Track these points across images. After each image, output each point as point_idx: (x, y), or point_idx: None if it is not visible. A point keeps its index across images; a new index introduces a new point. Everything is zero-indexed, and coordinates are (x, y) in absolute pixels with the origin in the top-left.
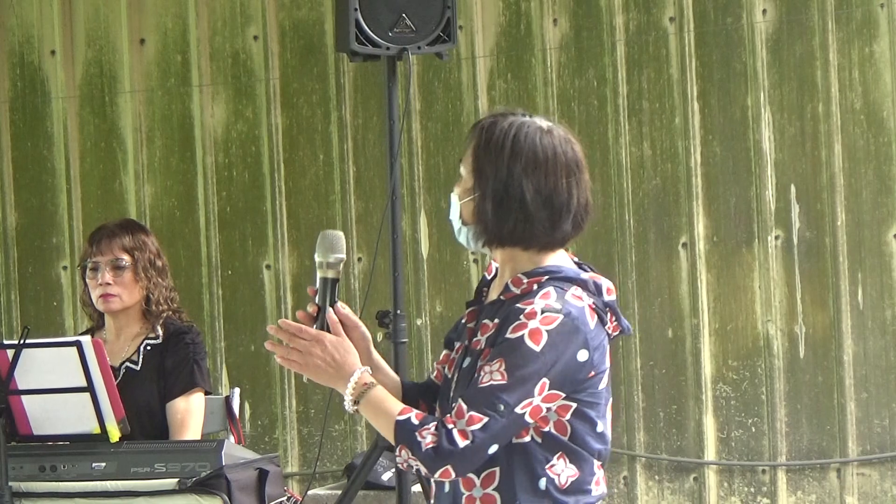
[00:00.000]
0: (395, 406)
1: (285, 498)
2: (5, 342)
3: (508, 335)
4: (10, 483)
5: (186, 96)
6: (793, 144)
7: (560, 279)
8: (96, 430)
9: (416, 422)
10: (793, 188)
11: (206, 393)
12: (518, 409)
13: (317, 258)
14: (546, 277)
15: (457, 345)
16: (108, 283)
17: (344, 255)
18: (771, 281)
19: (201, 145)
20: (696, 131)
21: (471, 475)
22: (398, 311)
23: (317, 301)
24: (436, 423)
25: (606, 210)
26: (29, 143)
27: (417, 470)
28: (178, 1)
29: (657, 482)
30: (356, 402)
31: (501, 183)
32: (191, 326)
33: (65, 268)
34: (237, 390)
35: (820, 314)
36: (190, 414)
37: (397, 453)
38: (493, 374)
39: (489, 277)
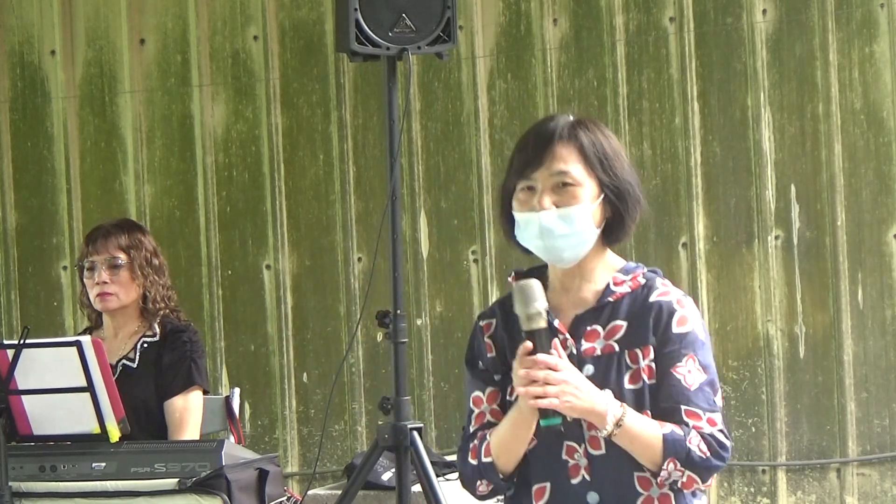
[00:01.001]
0: (652, 421)
1: (285, 498)
2: (5, 342)
3: (677, 330)
4: (11, 483)
5: (186, 96)
6: (793, 144)
7: (648, 272)
8: (96, 430)
9: (680, 433)
10: (793, 188)
11: (205, 392)
12: (720, 400)
13: (519, 311)
14: (643, 271)
15: (496, 377)
16: (105, 282)
17: (545, 302)
18: (771, 281)
19: (201, 145)
20: (696, 131)
21: (646, 473)
22: (398, 311)
23: (537, 353)
24: (693, 433)
25: None
26: (29, 143)
27: (673, 481)
28: (179, 1)
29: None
30: (619, 425)
31: (620, 180)
32: (188, 325)
33: (65, 268)
34: (237, 390)
35: (820, 314)
36: (188, 412)
37: (663, 467)
38: (693, 374)
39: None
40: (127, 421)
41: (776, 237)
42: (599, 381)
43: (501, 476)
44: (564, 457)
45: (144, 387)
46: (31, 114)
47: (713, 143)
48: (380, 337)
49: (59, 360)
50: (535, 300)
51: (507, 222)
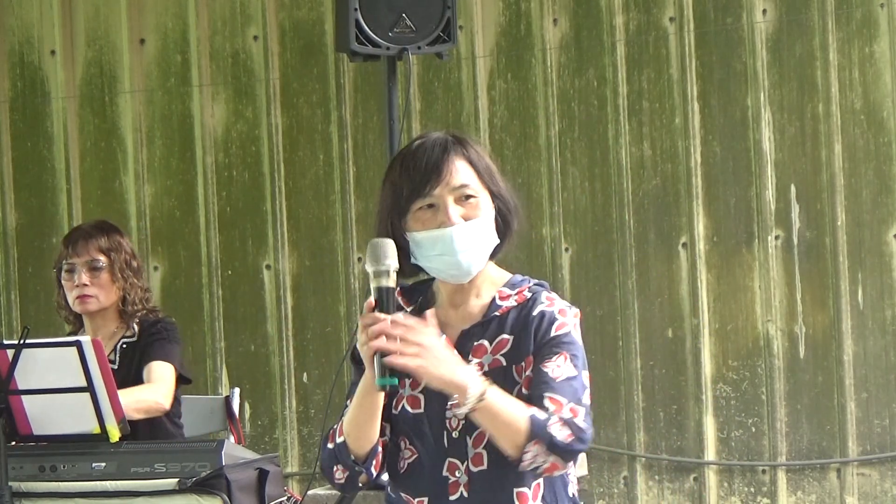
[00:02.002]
0: (518, 402)
1: (285, 498)
2: (5, 342)
3: (555, 333)
4: (10, 483)
5: (186, 96)
6: (793, 144)
7: (535, 285)
8: (96, 429)
9: (542, 416)
10: (793, 188)
11: (185, 380)
12: (587, 400)
13: (369, 268)
14: (529, 285)
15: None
16: (85, 285)
17: (396, 262)
18: (771, 281)
19: (201, 145)
20: (696, 131)
21: (524, 489)
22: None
23: (379, 312)
24: (554, 417)
25: (606, 210)
26: (29, 143)
27: (536, 466)
28: (178, 1)
29: (657, 482)
30: (481, 399)
31: (504, 191)
32: (164, 318)
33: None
34: (237, 390)
35: (820, 314)
36: (162, 378)
37: (526, 450)
38: (562, 368)
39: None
40: (126, 421)
41: (776, 237)
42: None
43: (353, 458)
44: (445, 473)
45: (125, 386)
46: (31, 114)
47: (713, 143)
48: None
49: (58, 360)
50: (388, 257)
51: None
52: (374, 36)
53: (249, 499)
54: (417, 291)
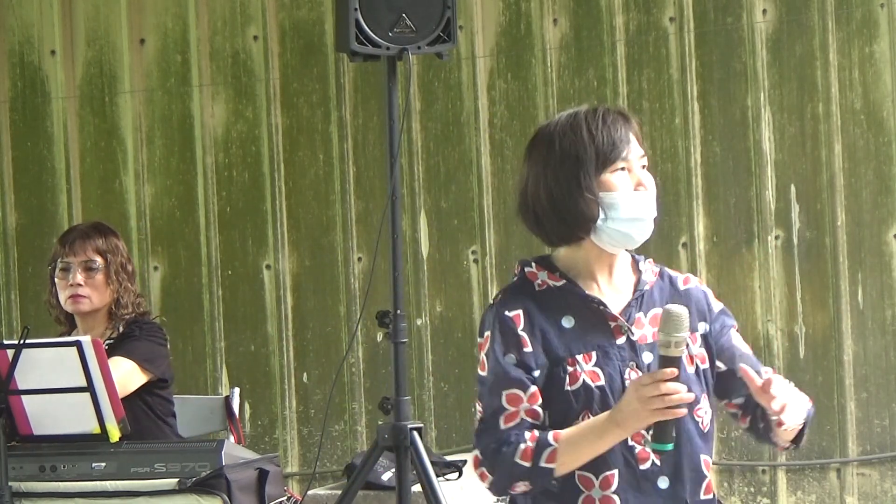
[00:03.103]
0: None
1: (285, 498)
2: (5, 342)
3: (716, 307)
4: (11, 483)
5: (186, 96)
6: (793, 144)
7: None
8: (96, 430)
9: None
10: (793, 188)
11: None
12: None
13: (666, 336)
14: (643, 257)
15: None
16: (80, 284)
17: (688, 333)
18: (771, 281)
19: (201, 145)
20: (696, 131)
21: (708, 456)
22: (398, 311)
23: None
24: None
25: None
26: (29, 142)
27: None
28: (178, 1)
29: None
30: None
31: None
32: (147, 319)
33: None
34: (237, 390)
35: (820, 314)
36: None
37: (805, 431)
38: (744, 343)
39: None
40: (127, 421)
41: (776, 237)
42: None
43: (554, 481)
44: (631, 442)
45: None
46: (31, 114)
47: (713, 143)
48: (380, 337)
49: (59, 360)
50: (686, 329)
51: (581, 210)
52: (374, 36)
53: (249, 499)
54: (549, 265)
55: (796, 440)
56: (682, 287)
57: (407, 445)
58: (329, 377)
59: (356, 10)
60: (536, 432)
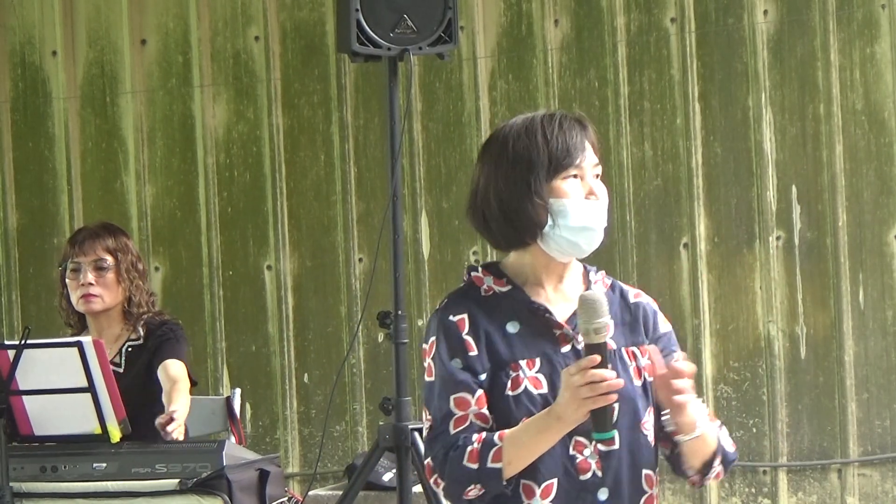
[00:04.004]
0: (709, 421)
1: (286, 498)
2: (6, 342)
3: (664, 329)
4: (12, 483)
5: (188, 97)
6: (794, 145)
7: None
8: (97, 430)
9: (717, 426)
10: (794, 189)
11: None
12: None
13: (585, 324)
14: (600, 271)
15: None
16: (91, 284)
17: (608, 319)
18: (772, 281)
19: (202, 146)
20: (697, 132)
21: (651, 471)
22: (399, 312)
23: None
24: (723, 428)
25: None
26: (30, 143)
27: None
28: (180, 1)
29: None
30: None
31: None
32: (171, 319)
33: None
34: (238, 391)
35: (821, 315)
36: (179, 378)
37: (714, 465)
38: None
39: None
40: (127, 421)
41: (777, 238)
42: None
43: (504, 482)
44: (573, 452)
45: (131, 391)
46: (33, 114)
47: (714, 144)
48: (381, 337)
49: (60, 361)
50: (605, 314)
51: (528, 215)
52: (376, 36)
53: (250, 499)
54: (496, 271)
55: (704, 471)
56: (632, 300)
57: (408, 446)
58: (330, 378)
59: (357, 10)
60: (484, 434)
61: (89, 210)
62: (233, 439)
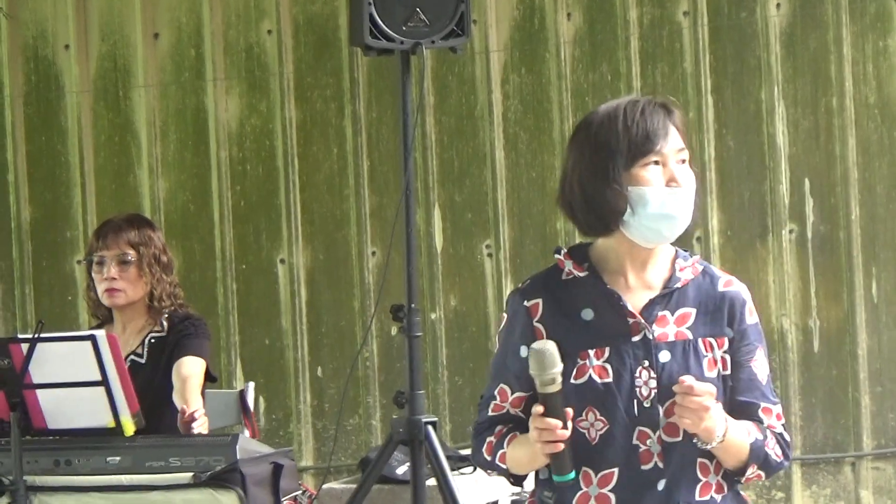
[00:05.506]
0: (742, 429)
1: (300, 492)
2: (20, 336)
3: (750, 321)
4: (25, 477)
5: (200, 90)
6: (807, 138)
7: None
8: (111, 423)
9: (761, 438)
10: (807, 182)
11: (212, 378)
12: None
13: (536, 376)
14: (696, 258)
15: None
16: (114, 278)
17: (561, 366)
18: (785, 275)
19: (215, 139)
20: (709, 125)
21: (707, 460)
22: (412, 306)
23: (548, 417)
24: (769, 434)
25: None
26: (43, 137)
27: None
28: None
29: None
30: (722, 440)
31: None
32: (194, 314)
33: (79, 262)
34: (251, 384)
35: (834, 308)
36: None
37: (747, 473)
38: (762, 364)
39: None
40: (141, 415)
41: (790, 231)
42: (679, 368)
43: (513, 480)
44: (636, 441)
45: (152, 382)
46: (45, 108)
47: (727, 137)
48: (394, 331)
49: (73, 354)
50: (556, 365)
51: (608, 202)
52: (388, 30)
53: (264, 493)
54: (581, 254)
55: (737, 474)
56: (720, 289)
57: (421, 439)
58: (343, 371)
59: (370, 4)
60: (503, 430)
61: (102, 204)
62: (246, 433)
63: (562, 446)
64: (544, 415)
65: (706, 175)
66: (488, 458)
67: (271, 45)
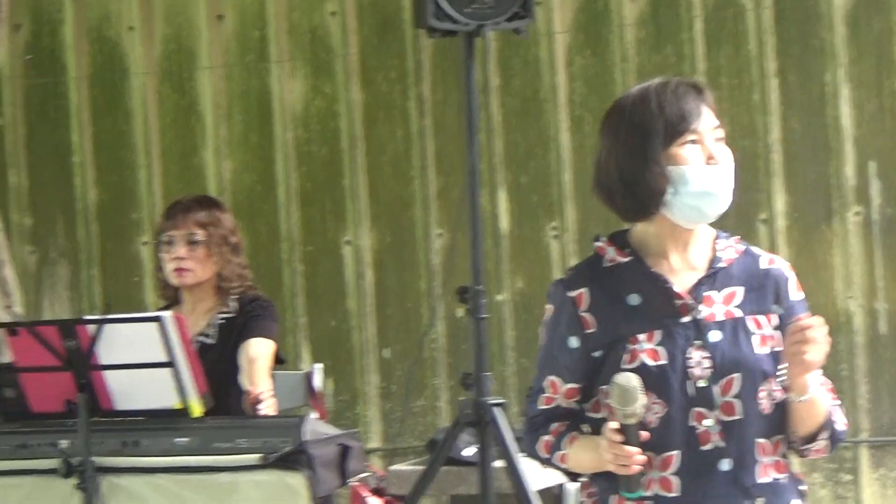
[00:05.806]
0: (823, 391)
1: (368, 474)
2: (87, 317)
3: (795, 297)
4: (93, 457)
5: (265, 72)
6: (872, 120)
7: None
8: (178, 405)
9: (836, 406)
10: (872, 164)
11: (280, 360)
12: None
13: (618, 407)
14: (736, 237)
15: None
16: (182, 258)
17: (644, 399)
18: (850, 257)
19: (280, 121)
20: (774, 107)
21: (766, 441)
22: (478, 287)
23: (628, 441)
24: (836, 405)
25: None
26: (108, 119)
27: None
28: None
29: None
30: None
31: None
32: (263, 296)
33: (145, 243)
34: (319, 366)
35: None
36: (258, 356)
37: (819, 437)
38: None
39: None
40: (209, 395)
41: (856, 213)
42: (731, 347)
43: (571, 477)
44: (692, 423)
45: (221, 363)
46: (111, 90)
47: (792, 120)
48: (460, 313)
49: (140, 336)
50: (638, 400)
51: (648, 183)
52: (452, 11)
53: (331, 474)
54: (621, 240)
55: (808, 440)
56: (764, 266)
57: (488, 421)
58: (410, 353)
59: None
60: (561, 428)
61: (168, 185)
62: (314, 414)
63: (637, 468)
64: (623, 442)
65: (771, 157)
66: (545, 456)
67: (335, 27)
